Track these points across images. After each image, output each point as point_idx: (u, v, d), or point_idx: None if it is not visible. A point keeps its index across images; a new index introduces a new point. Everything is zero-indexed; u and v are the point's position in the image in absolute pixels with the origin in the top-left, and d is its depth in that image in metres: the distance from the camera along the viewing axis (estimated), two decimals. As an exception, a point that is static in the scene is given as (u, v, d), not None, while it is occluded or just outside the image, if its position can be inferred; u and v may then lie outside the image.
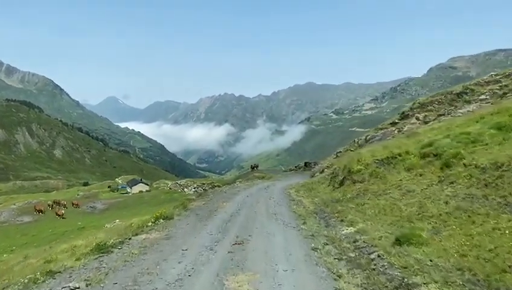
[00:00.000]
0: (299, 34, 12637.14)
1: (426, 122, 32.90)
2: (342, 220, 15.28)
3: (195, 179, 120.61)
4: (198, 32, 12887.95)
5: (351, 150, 42.88)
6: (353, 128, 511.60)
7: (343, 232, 13.80)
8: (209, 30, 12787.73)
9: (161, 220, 19.16)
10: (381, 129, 42.12)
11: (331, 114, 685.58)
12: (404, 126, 35.26)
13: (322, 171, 40.92)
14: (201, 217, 20.65)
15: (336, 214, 16.55)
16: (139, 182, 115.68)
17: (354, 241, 12.23)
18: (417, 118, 34.94)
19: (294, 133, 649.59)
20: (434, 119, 32.29)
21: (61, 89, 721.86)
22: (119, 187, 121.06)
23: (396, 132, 35.82)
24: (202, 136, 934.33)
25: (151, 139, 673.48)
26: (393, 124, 40.64)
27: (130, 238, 15.55)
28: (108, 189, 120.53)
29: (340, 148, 54.21)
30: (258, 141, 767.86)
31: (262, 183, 46.77)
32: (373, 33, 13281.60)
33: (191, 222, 18.84)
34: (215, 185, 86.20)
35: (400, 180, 16.74)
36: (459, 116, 28.16)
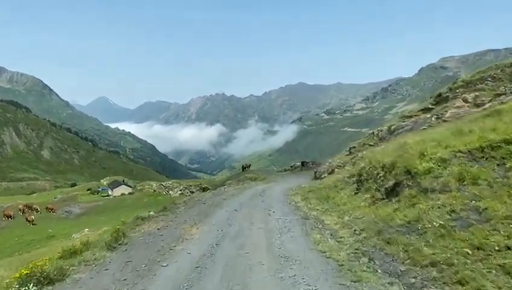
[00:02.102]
0: (290, 34, 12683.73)
1: (478, 105, 25.64)
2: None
3: (182, 180, 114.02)
4: (189, 32, 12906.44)
5: (370, 144, 35.25)
6: (344, 128, 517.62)
7: None
8: (200, 31, 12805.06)
9: (32, 288, 9.24)
10: (409, 117, 34.20)
11: (323, 114, 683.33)
12: (445, 111, 27.72)
13: (332, 172, 33.06)
14: (131, 270, 11.19)
15: (439, 274, 8.05)
16: (121, 184, 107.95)
17: None
18: (465, 100, 27.27)
19: (286, 133, 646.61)
20: (490, 100, 24.98)
21: (51, 89, 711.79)
22: (100, 189, 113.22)
23: (433, 119, 28.39)
24: (193, 136, 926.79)
25: (141, 139, 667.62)
26: (426, 110, 32.58)
27: None
28: (88, 192, 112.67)
29: (353, 143, 45.63)
30: (249, 141, 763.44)
31: (255, 187, 37.86)
32: (364, 34, 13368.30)
33: None
34: (204, 187, 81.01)
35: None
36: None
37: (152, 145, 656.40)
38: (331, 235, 13.67)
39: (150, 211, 22.47)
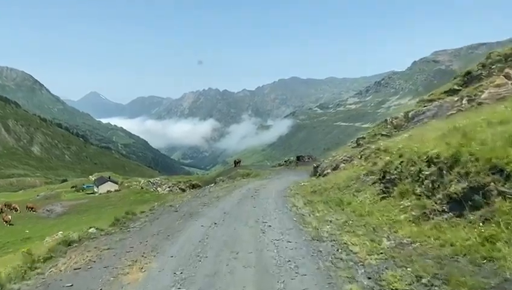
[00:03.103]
0: (283, 29, 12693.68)
1: (525, 82, 20.66)
2: None
3: (173, 176, 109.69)
4: (182, 26, 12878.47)
5: (383, 134, 30.86)
6: (338, 123, 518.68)
7: None
8: (192, 24, 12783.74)
9: None
10: (430, 101, 28.85)
11: (316, 108, 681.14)
12: (480, 92, 22.38)
13: (336, 168, 28.74)
14: None
15: None
16: (107, 181, 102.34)
17: None
18: (507, 76, 22.06)
19: (280, 127, 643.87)
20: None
21: (41, 84, 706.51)
22: (84, 187, 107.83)
23: (465, 101, 23.28)
24: (186, 131, 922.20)
25: (134, 135, 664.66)
26: (452, 92, 27.38)
27: None
28: (73, 189, 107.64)
29: (362, 134, 40.51)
30: (243, 136, 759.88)
31: (247, 185, 33.22)
32: (357, 28, 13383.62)
33: None
34: (193, 183, 77.69)
35: None
36: None
37: (144, 140, 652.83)
38: (372, 280, 8.18)
39: (90, 228, 16.42)
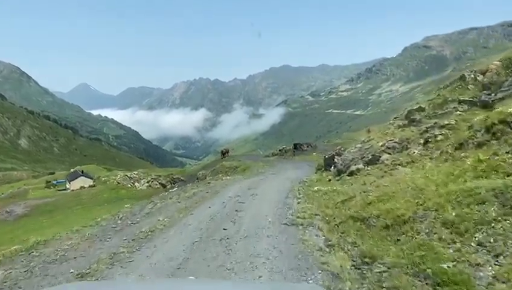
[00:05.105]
0: (272, 17, 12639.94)
1: None
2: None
3: (152, 169, 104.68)
4: (171, 15, 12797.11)
5: (463, 100, 18.81)
6: (329, 110, 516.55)
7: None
8: (182, 13, 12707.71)
9: None
10: None
11: (308, 96, 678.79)
12: None
13: (374, 162, 19.19)
14: None
15: None
16: (80, 176, 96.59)
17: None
18: None
19: (272, 116, 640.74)
20: None
21: (29, 77, 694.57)
22: (55, 182, 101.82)
23: None
24: (178, 121, 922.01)
25: (125, 126, 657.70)
26: None
27: None
28: (44, 185, 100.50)
29: (417, 103, 24.75)
30: (235, 125, 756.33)
31: (228, 189, 22.48)
32: (348, 14, 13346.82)
33: None
34: (175, 177, 73.28)
35: None
36: None
37: (136, 131, 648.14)
38: None
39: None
